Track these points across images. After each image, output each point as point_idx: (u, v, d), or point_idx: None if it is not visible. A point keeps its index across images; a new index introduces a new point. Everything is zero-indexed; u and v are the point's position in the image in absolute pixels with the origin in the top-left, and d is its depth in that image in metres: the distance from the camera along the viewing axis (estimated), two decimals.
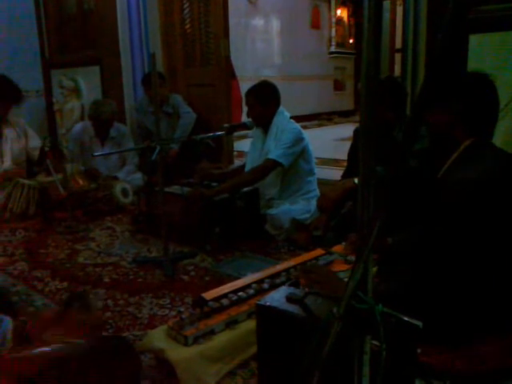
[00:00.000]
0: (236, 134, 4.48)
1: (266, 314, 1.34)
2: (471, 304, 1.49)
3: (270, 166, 3.03)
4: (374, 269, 1.80)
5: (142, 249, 3.01)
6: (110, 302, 2.27)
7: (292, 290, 1.38)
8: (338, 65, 10.43)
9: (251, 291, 1.90)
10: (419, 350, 1.26)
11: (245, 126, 3.29)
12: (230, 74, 4.89)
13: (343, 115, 10.19)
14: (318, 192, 3.21)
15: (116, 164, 4.37)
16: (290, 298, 1.30)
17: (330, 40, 10.14)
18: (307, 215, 3.08)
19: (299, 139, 3.10)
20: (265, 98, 3.14)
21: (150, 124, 4.57)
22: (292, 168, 3.11)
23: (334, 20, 10.10)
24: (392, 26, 6.58)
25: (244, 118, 3.36)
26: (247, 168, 3.32)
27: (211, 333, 1.68)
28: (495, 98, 1.62)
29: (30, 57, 5.80)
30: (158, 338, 1.70)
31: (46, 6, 5.84)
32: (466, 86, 1.64)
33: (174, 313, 2.11)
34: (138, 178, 4.19)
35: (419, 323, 1.06)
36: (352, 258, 2.17)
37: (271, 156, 3.03)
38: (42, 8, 5.85)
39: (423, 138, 1.80)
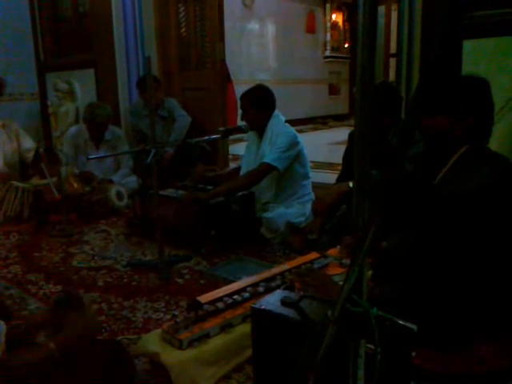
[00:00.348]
0: (231, 137, 4.48)
1: (260, 318, 1.34)
2: (468, 307, 1.50)
3: (265, 169, 3.04)
4: (369, 272, 1.81)
5: (136, 252, 3.00)
6: (104, 305, 2.26)
7: (287, 293, 1.38)
8: (332, 69, 10.47)
9: (246, 294, 1.90)
10: (414, 354, 1.26)
11: (240, 130, 3.29)
12: (226, 78, 4.90)
13: (338, 119, 10.22)
14: (312, 196, 3.21)
15: (111, 167, 4.36)
16: (284, 302, 1.31)
17: (325, 44, 10.18)
18: (302, 219, 3.09)
19: (294, 143, 3.10)
20: (259, 101, 3.14)
21: (144, 127, 4.56)
22: (287, 172, 3.11)
23: (329, 24, 10.14)
24: (387, 31, 6.61)
25: (239, 122, 3.36)
26: (242, 172, 3.32)
27: (206, 336, 1.67)
28: (492, 101, 1.63)
29: (24, 60, 5.78)
30: (152, 341, 1.69)
31: (40, 9, 5.83)
32: (466, 89, 1.64)
33: (168, 316, 2.11)
34: (133, 181, 4.18)
35: (414, 327, 1.06)
36: (347, 261, 2.17)
37: (266, 160, 3.03)
38: (37, 11, 5.84)
39: (418, 142, 1.81)
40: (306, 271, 1.97)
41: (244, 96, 3.19)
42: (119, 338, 1.95)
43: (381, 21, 6.74)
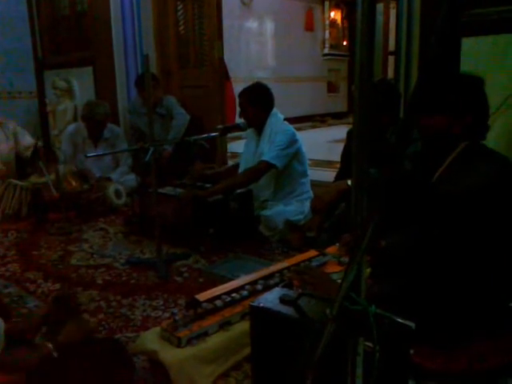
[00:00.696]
0: (230, 135, 4.48)
1: (259, 316, 1.34)
2: (466, 304, 1.50)
3: (263, 167, 3.04)
4: (368, 270, 1.81)
5: (135, 250, 3.00)
6: (102, 303, 2.26)
7: (285, 291, 1.38)
8: (331, 67, 10.44)
9: (245, 292, 1.90)
10: (412, 351, 1.27)
11: (238, 128, 3.29)
12: (224, 76, 4.89)
13: (337, 117, 10.20)
14: (311, 193, 3.21)
15: (109, 165, 4.35)
16: (283, 300, 1.31)
17: (323, 42, 10.16)
18: (301, 216, 3.09)
19: (293, 141, 3.10)
20: (257, 99, 3.14)
21: (143, 125, 4.56)
22: (286, 170, 3.11)
23: (327, 22, 10.11)
24: (385, 29, 6.59)
25: (238, 120, 3.36)
26: (241, 169, 3.32)
27: (205, 334, 1.68)
28: (487, 98, 1.63)
29: (23, 58, 5.77)
30: (151, 339, 1.69)
31: (38, 7, 5.82)
32: (465, 88, 1.64)
33: (167, 314, 2.11)
34: (132, 179, 4.18)
35: (412, 324, 1.06)
36: (345, 259, 2.17)
37: (265, 158, 3.03)
38: (35, 9, 5.82)
39: (417, 140, 1.81)
40: (304, 269, 1.97)
41: (242, 94, 3.19)
42: (118, 336, 1.95)
43: (379, 18, 6.72)
